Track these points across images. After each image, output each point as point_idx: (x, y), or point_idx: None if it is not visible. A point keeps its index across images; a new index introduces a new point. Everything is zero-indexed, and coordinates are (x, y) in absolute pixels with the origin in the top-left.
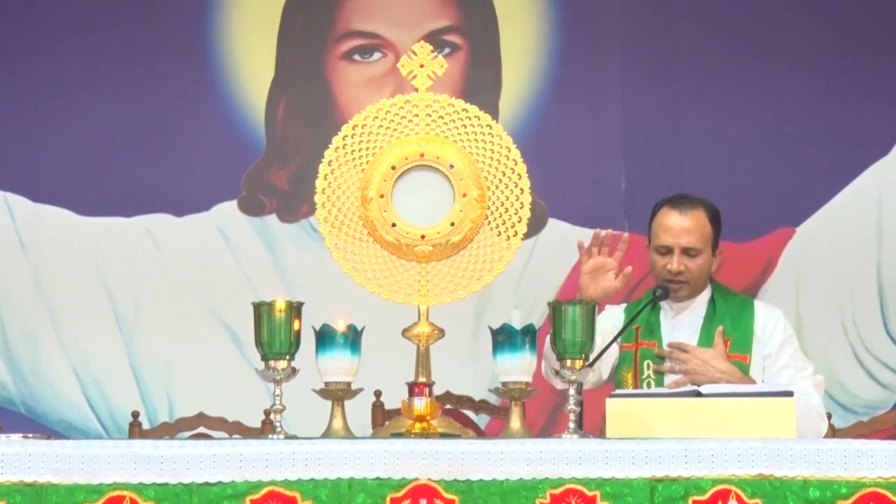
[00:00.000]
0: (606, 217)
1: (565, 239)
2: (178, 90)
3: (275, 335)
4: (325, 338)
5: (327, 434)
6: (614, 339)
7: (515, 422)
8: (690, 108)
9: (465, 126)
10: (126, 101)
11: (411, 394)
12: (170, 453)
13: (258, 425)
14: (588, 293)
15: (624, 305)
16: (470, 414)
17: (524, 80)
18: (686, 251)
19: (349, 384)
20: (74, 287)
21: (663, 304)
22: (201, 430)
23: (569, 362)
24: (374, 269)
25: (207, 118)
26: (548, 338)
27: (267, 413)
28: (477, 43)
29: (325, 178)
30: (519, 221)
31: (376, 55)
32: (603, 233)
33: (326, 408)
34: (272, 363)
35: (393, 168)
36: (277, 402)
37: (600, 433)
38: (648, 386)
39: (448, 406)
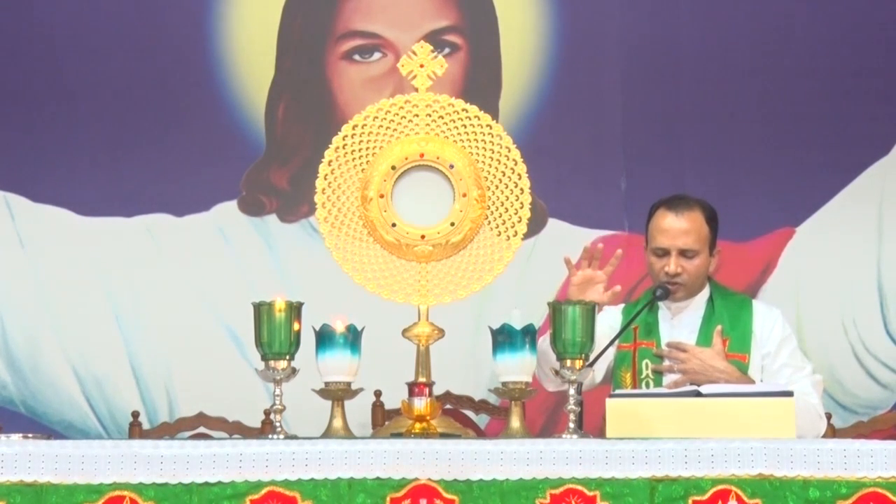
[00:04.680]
0: (606, 217)
1: (565, 239)
2: (178, 90)
3: (275, 335)
4: (325, 338)
5: (327, 434)
6: (613, 340)
7: (515, 422)
8: (690, 108)
9: (465, 126)
10: (126, 101)
11: (411, 394)
12: (170, 453)
13: (258, 425)
14: None
15: (622, 306)
16: (470, 414)
17: (524, 80)
18: (683, 253)
19: (349, 384)
20: (74, 287)
21: (662, 303)
22: (201, 430)
23: (569, 362)
24: (374, 269)
25: (207, 118)
26: (541, 339)
27: (267, 413)
28: (477, 43)
29: (325, 178)
30: (519, 221)
31: (376, 55)
32: (593, 246)
33: (326, 408)
34: (272, 363)
35: (393, 168)
36: (277, 402)
37: (600, 433)
38: (647, 386)
39: (448, 406)
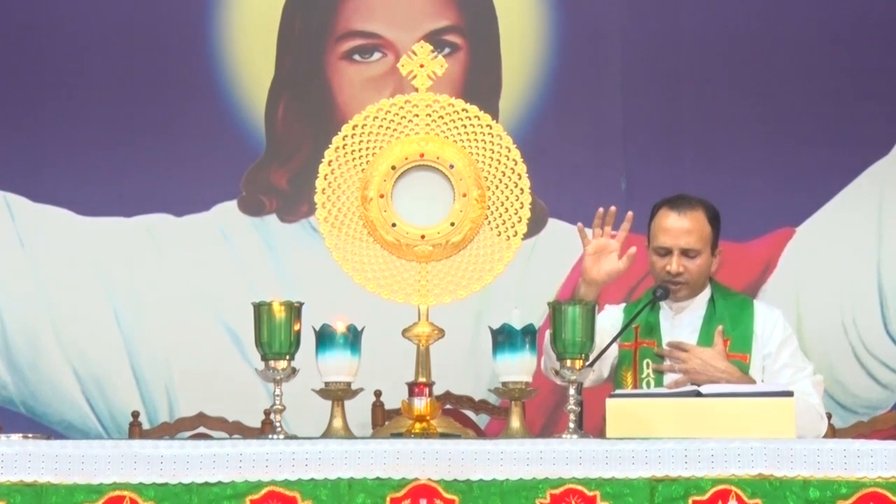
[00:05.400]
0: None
1: (565, 239)
2: (178, 90)
3: (275, 335)
4: (325, 338)
5: (327, 434)
6: (614, 339)
7: (515, 422)
8: (690, 108)
9: (465, 126)
10: (126, 101)
11: (411, 394)
12: (170, 453)
13: (258, 425)
14: (591, 275)
15: (623, 305)
16: (470, 414)
17: (524, 81)
18: (685, 252)
19: (349, 384)
20: (74, 287)
21: (663, 303)
22: (201, 430)
23: (569, 362)
24: (374, 269)
25: (207, 118)
26: (548, 333)
27: (267, 413)
28: (477, 43)
29: (325, 178)
30: (519, 221)
31: (376, 55)
32: (605, 209)
33: (326, 408)
34: (272, 363)
35: (393, 168)
36: (277, 402)
37: (600, 433)
38: (648, 385)
39: (448, 406)
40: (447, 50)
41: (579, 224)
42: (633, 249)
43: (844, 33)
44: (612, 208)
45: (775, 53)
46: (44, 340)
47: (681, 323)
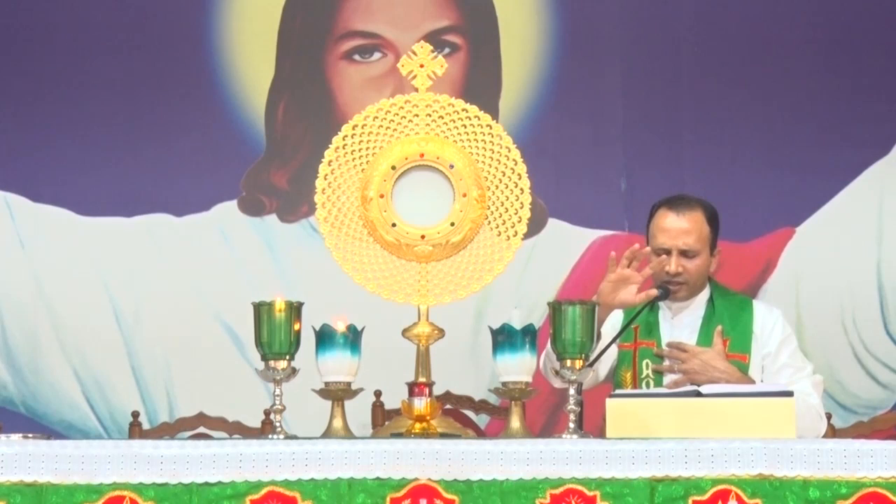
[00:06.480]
0: (606, 217)
1: (565, 239)
2: (178, 90)
3: (275, 335)
4: (325, 338)
5: (327, 434)
6: (614, 340)
7: (515, 422)
8: (690, 108)
9: (465, 126)
10: (126, 101)
11: (411, 394)
12: (170, 453)
13: (258, 425)
14: (606, 299)
15: None
16: (470, 414)
17: (524, 80)
18: (684, 252)
19: (349, 384)
20: (74, 287)
21: (662, 303)
22: (201, 430)
23: (569, 362)
24: (374, 269)
25: (207, 118)
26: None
27: (267, 413)
28: (477, 43)
29: (325, 178)
30: (519, 221)
31: (376, 55)
32: (639, 248)
33: (326, 408)
34: (272, 363)
35: (393, 168)
36: (277, 402)
37: (600, 433)
38: (647, 385)
39: (448, 406)
40: (447, 50)
41: (613, 253)
42: (652, 291)
43: (844, 33)
44: (647, 249)
45: (775, 53)
46: (44, 340)
47: (680, 323)
